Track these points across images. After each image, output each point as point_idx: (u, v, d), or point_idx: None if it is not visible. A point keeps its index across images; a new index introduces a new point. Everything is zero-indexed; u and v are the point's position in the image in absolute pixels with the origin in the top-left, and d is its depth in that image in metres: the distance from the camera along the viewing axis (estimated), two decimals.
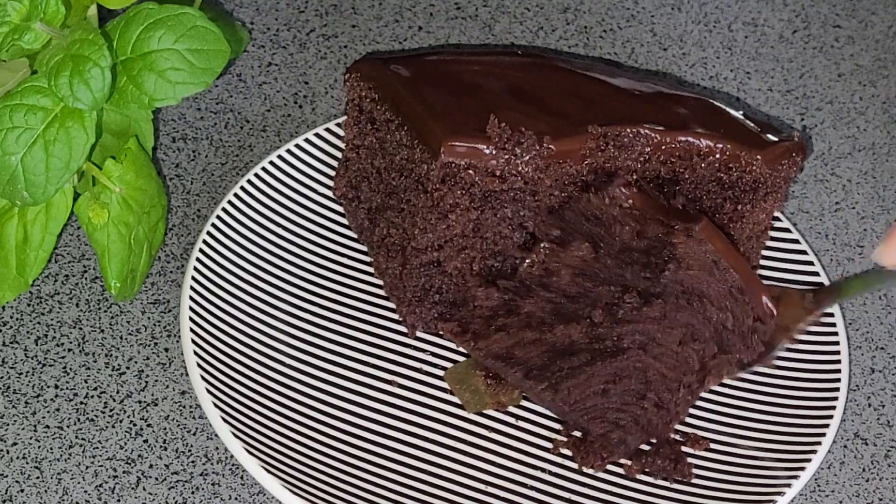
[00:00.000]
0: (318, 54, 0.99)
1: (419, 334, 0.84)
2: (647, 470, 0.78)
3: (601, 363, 0.76)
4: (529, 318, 0.80)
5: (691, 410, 0.81)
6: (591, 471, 0.78)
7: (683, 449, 0.79)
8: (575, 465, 0.79)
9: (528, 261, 0.81)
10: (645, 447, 0.79)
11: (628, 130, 0.81)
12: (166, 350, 0.83)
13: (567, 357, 0.78)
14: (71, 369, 0.82)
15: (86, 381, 0.81)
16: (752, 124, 0.84)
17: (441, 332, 0.83)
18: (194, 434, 0.80)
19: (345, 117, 0.87)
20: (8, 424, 0.79)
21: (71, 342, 0.83)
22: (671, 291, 0.77)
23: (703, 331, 0.77)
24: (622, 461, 0.78)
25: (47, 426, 0.79)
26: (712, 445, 0.80)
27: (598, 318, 0.78)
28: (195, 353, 0.79)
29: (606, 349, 0.77)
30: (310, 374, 0.81)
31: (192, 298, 0.81)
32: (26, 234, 0.81)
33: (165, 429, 0.80)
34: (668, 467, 0.78)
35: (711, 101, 0.86)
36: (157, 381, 0.82)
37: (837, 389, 0.81)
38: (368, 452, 0.78)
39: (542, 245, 0.81)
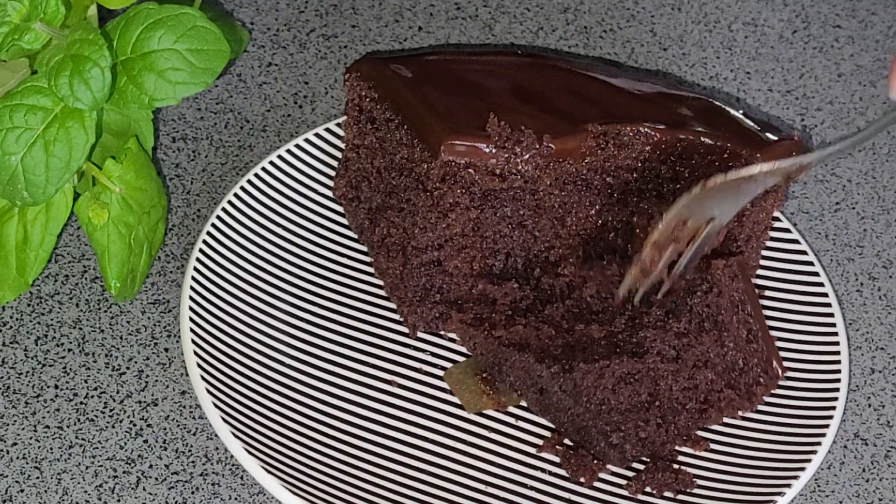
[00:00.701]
0: (318, 54, 0.99)
1: (419, 334, 0.84)
2: (648, 488, 0.77)
3: (618, 360, 0.76)
4: (550, 318, 0.80)
5: None
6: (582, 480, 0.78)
7: (683, 449, 0.79)
8: None
9: (550, 275, 0.82)
10: (640, 465, 0.78)
11: (628, 129, 0.81)
12: (166, 350, 0.83)
13: (583, 350, 0.78)
14: (71, 369, 0.82)
15: (86, 381, 0.81)
16: (751, 124, 0.84)
17: (443, 331, 0.84)
18: (194, 434, 0.80)
19: (345, 117, 0.87)
20: (8, 424, 0.79)
21: (71, 342, 0.83)
22: (698, 313, 0.77)
23: (717, 362, 0.78)
24: (623, 473, 0.78)
25: (47, 426, 0.79)
26: (712, 446, 0.80)
27: (620, 327, 0.78)
28: (195, 353, 0.79)
29: (626, 349, 0.77)
30: (310, 375, 0.81)
31: (192, 298, 0.81)
32: (26, 234, 0.81)
33: (165, 429, 0.80)
34: (670, 480, 0.77)
35: (711, 100, 0.86)
36: (157, 381, 0.82)
37: (837, 389, 0.81)
38: (368, 452, 0.78)
39: (569, 261, 0.82)
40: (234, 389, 0.78)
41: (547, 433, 0.80)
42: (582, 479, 0.77)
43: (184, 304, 0.80)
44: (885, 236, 0.92)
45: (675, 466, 0.78)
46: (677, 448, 0.79)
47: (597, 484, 0.78)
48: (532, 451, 0.79)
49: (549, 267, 0.83)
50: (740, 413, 0.80)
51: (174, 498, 0.77)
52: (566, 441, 0.79)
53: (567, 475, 0.78)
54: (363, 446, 0.79)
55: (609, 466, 0.78)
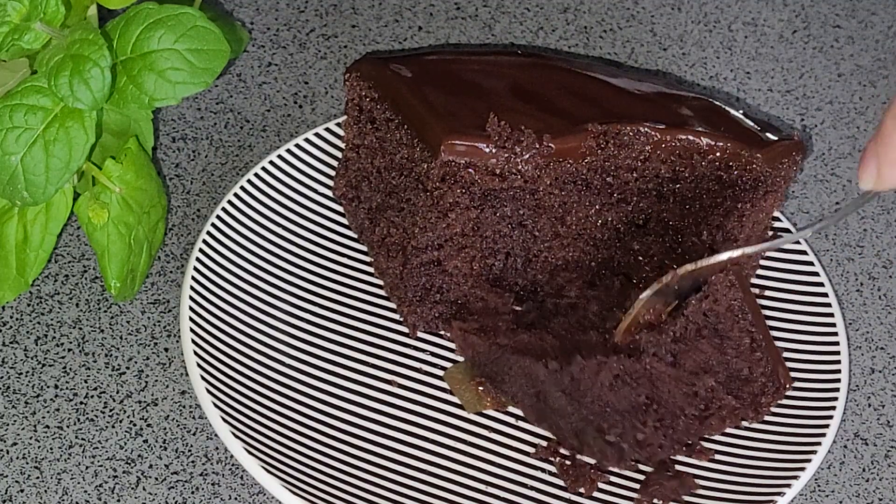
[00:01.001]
0: (318, 54, 0.99)
1: (419, 334, 0.84)
2: (656, 499, 0.77)
3: (616, 358, 0.76)
4: (553, 329, 0.81)
5: None
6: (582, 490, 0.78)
7: (685, 459, 0.79)
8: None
9: (555, 297, 0.82)
10: (641, 475, 0.78)
11: (628, 129, 0.81)
12: (166, 350, 0.83)
13: (581, 350, 0.78)
14: (71, 369, 0.82)
15: (86, 381, 0.81)
16: (751, 124, 0.84)
17: (443, 331, 0.84)
18: (194, 434, 0.80)
19: (345, 117, 0.87)
20: (8, 424, 0.79)
21: (71, 342, 0.83)
22: (694, 320, 0.77)
23: (717, 369, 0.77)
24: (623, 475, 0.78)
25: (47, 426, 0.79)
26: (711, 446, 0.79)
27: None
28: (195, 353, 0.79)
29: (624, 349, 0.77)
30: (310, 374, 0.81)
31: (192, 298, 0.81)
32: (26, 234, 0.81)
33: (165, 429, 0.80)
34: (677, 487, 0.77)
35: (711, 100, 0.86)
36: (157, 381, 0.82)
37: (837, 389, 0.81)
38: (368, 452, 0.78)
39: (574, 284, 0.82)
40: (234, 389, 0.78)
41: (547, 434, 0.80)
42: (581, 490, 0.77)
43: (184, 304, 0.80)
44: (885, 236, 0.92)
45: (678, 472, 0.77)
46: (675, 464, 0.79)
47: (598, 485, 0.78)
48: (532, 451, 0.79)
49: (554, 292, 0.83)
50: (744, 422, 0.80)
51: (174, 498, 0.77)
52: (563, 451, 0.79)
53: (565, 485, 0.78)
54: (363, 446, 0.79)
55: (609, 474, 0.78)
